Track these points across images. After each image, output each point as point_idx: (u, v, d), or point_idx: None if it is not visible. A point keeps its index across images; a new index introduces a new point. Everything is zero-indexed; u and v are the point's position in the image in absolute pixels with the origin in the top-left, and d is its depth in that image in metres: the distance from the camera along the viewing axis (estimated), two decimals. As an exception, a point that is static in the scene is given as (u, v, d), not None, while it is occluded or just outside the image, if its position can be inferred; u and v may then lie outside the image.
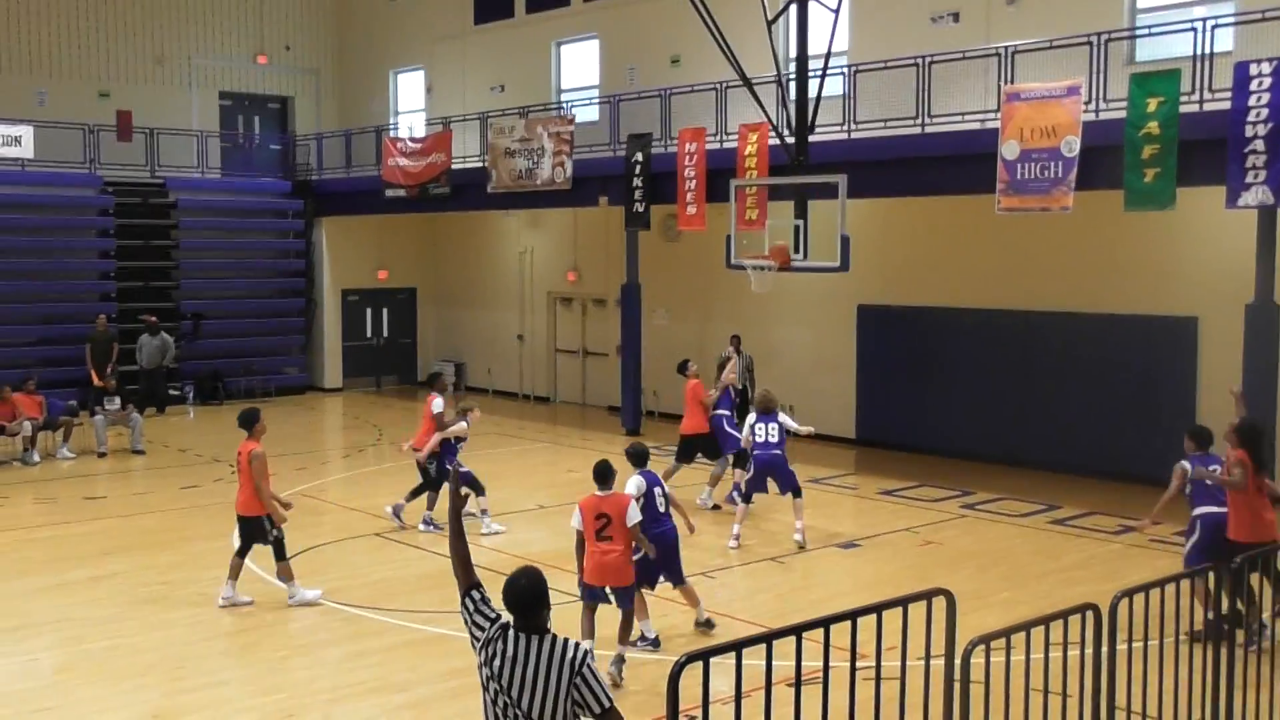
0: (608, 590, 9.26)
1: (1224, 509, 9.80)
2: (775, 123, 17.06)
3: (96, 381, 21.35)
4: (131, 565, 12.70)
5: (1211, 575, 7.80)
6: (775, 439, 13.34)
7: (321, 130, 29.06)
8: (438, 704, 8.87)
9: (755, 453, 13.42)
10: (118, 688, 9.13)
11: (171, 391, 24.69)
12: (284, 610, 11.05)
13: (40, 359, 23.26)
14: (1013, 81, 15.58)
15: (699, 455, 15.69)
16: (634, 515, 9.21)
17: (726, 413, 15.53)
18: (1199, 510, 10.07)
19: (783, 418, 13.58)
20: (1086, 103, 14.69)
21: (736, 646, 5.27)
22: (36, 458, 18.74)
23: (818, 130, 16.75)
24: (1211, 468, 10.02)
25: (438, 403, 14.14)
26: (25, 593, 11.67)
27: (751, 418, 13.63)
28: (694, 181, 19.29)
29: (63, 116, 25.30)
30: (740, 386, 19.08)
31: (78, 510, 15.62)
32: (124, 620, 10.80)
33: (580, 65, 24.97)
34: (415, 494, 14.35)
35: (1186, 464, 10.17)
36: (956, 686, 5.82)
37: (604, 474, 9.30)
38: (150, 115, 26.57)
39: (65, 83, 26.22)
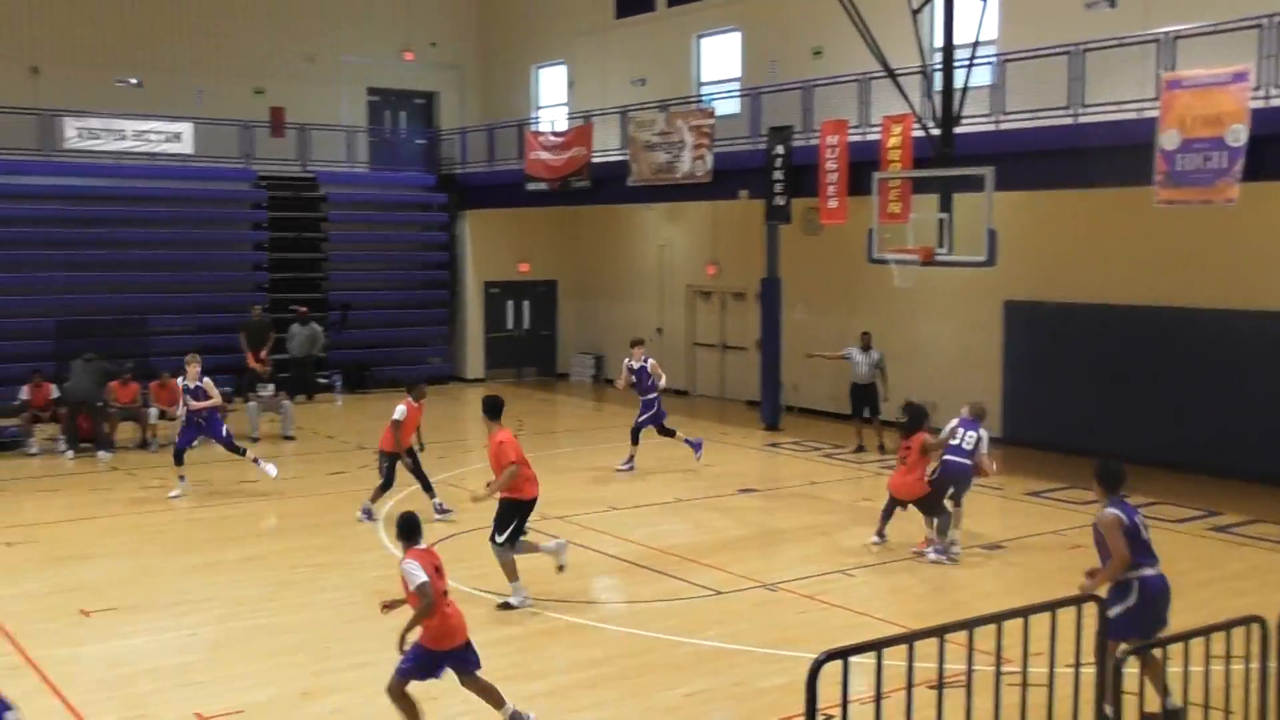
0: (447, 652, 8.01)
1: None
2: (920, 114, 16.74)
3: (252, 363, 22.03)
4: (282, 547, 13.10)
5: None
6: (969, 447, 12.86)
7: (465, 125, 29.54)
8: (575, 693, 8.93)
9: (946, 456, 12.95)
10: (268, 664, 9.42)
11: (320, 380, 25.38)
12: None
13: (196, 346, 23.94)
14: (1173, 68, 14.99)
15: None
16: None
17: None
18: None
19: (983, 432, 13.10)
20: (1255, 89, 14.05)
21: (877, 646, 5.18)
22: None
23: (964, 121, 16.38)
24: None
25: (400, 409, 14.32)
26: (184, 570, 12.12)
27: (955, 421, 13.21)
28: (836, 174, 19.06)
29: (220, 114, 26.23)
30: (866, 384, 18.86)
31: (231, 493, 16.16)
32: (275, 599, 11.14)
33: (721, 58, 24.88)
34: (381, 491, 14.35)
35: None
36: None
37: (414, 529, 8.11)
38: (302, 111, 27.37)
39: (222, 81, 27.13)
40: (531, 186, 25.04)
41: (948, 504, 12.84)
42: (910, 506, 12.98)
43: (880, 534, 13.18)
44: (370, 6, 29.33)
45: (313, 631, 10.20)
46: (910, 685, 5.07)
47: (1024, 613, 5.63)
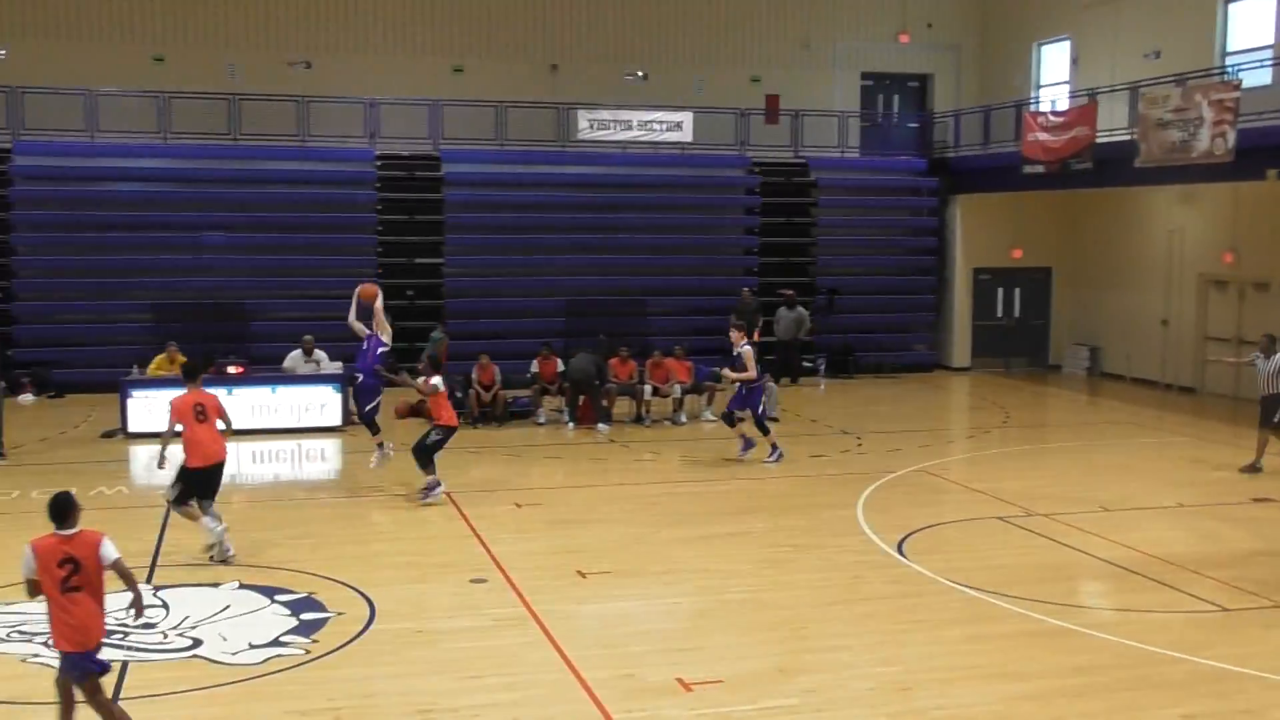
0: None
1: None
2: None
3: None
4: (764, 525, 13.31)
5: None
6: None
7: (960, 107, 28.75)
8: (1060, 700, 8.36)
9: None
10: (748, 638, 9.56)
11: (805, 363, 25.68)
12: (903, 585, 11.03)
13: (688, 328, 25.16)
14: None
15: None
16: (110, 553, 7.26)
17: None
18: None
19: None
20: None
21: None
22: (684, 418, 20.29)
23: None
24: None
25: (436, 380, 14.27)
26: (672, 541, 12.61)
27: None
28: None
29: (718, 103, 27.18)
30: (1271, 393, 16.20)
31: (718, 469, 16.68)
32: (756, 576, 11.32)
33: (1253, 25, 22.49)
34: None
35: None
36: None
37: (64, 510, 7.27)
38: (795, 98, 27.76)
39: (720, 70, 28.08)
40: (1028, 169, 23.93)
41: None
42: None
43: None
44: (866, -9, 29.29)
45: (792, 610, 10.25)
46: None
47: None
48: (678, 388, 20.31)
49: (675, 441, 18.76)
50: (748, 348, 16.77)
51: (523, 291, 25.62)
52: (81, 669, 7.17)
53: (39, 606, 10.00)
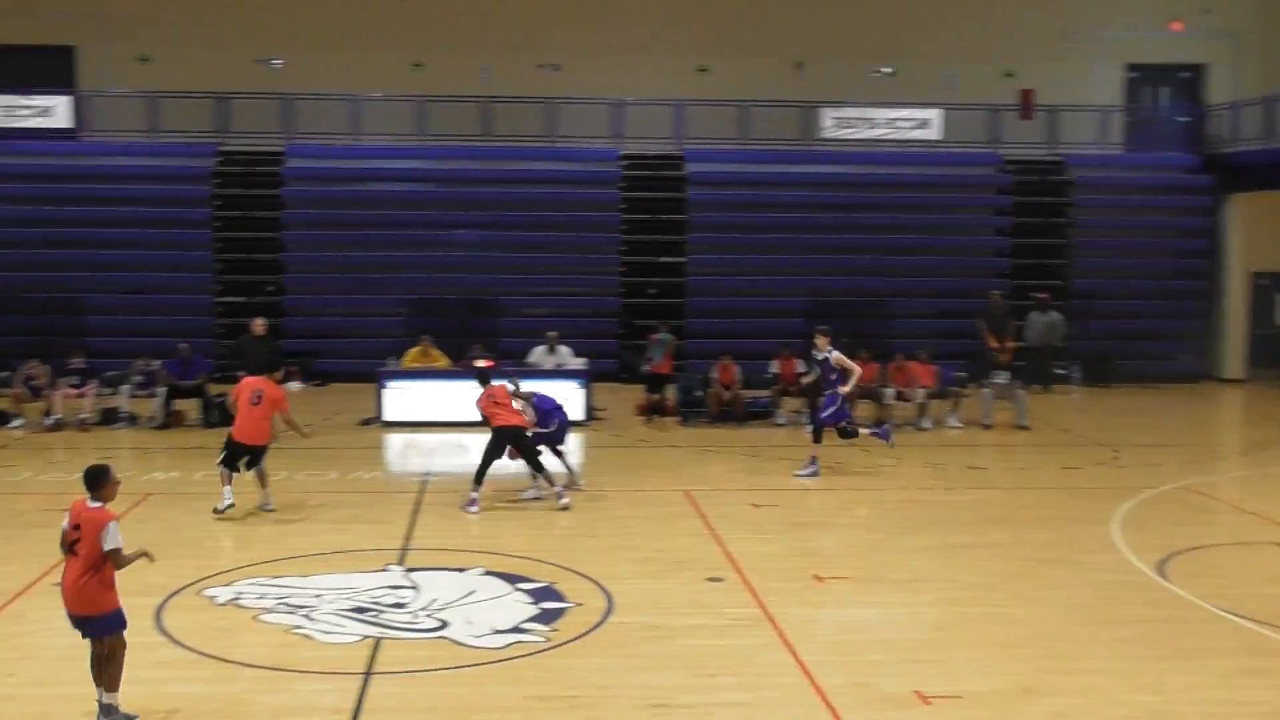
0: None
1: None
2: None
3: (993, 344, 21.87)
4: (1009, 538, 12.76)
5: None
6: None
7: (1239, 99, 26.93)
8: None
9: None
10: (991, 653, 9.17)
11: (1057, 370, 24.62)
12: (1164, 609, 10.36)
13: (935, 331, 24.50)
14: None
15: None
16: (109, 540, 7.40)
17: None
18: None
19: None
20: None
21: None
22: (927, 424, 19.75)
23: None
24: None
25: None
26: (912, 549, 12.25)
27: None
28: None
29: (968, 99, 26.37)
30: None
31: (961, 478, 16.15)
32: (1000, 589, 10.87)
33: None
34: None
35: None
36: None
37: (92, 480, 7.57)
38: (1052, 92, 26.68)
39: (972, 65, 27.20)
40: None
41: None
42: None
43: None
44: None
45: (1039, 628, 9.78)
46: None
47: None
48: (921, 392, 19.79)
49: (917, 447, 18.26)
50: (837, 353, 15.62)
51: (763, 291, 25.52)
52: (93, 631, 7.53)
53: (304, 580, 10.59)
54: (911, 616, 10.13)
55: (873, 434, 16.33)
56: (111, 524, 7.44)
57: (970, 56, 27.38)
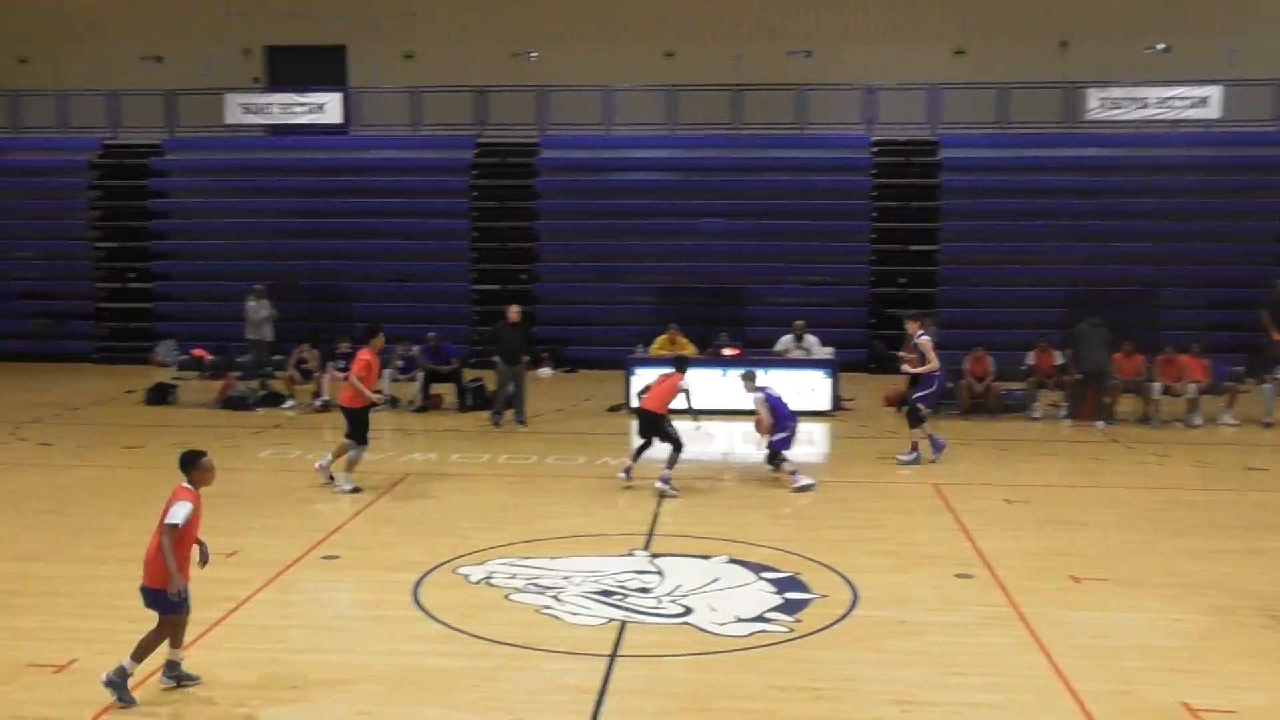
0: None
1: None
2: None
3: (1276, 336, 20.43)
4: (1290, 545, 11.90)
5: None
6: None
7: None
8: None
9: None
10: (1267, 668, 8.52)
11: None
12: None
13: (1209, 322, 23.09)
14: None
15: None
16: (171, 516, 7.63)
17: None
18: None
19: None
20: None
21: None
22: (1198, 420, 18.62)
23: None
24: None
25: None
26: (1177, 552, 11.57)
27: None
28: None
29: (1254, 73, 24.69)
30: None
31: (1235, 478, 15.14)
32: (1278, 599, 10.12)
33: None
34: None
35: None
36: None
37: (183, 463, 7.91)
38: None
39: (1257, 35, 25.40)
40: None
41: None
42: None
43: None
44: None
45: (1321, 642, 9.06)
46: None
47: None
48: (1192, 387, 18.67)
49: (1186, 445, 17.24)
50: (925, 337, 15.53)
51: (1019, 280, 24.64)
52: (144, 598, 7.78)
53: (552, 562, 10.87)
54: (1175, 623, 9.55)
55: (932, 439, 15.82)
56: (179, 502, 7.67)
57: (1254, 26, 25.58)
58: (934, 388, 15.81)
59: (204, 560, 7.95)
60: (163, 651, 7.87)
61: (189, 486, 7.81)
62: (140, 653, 7.71)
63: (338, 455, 14.04)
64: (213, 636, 8.91)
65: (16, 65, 28.43)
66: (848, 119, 26.40)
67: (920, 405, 15.71)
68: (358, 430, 13.89)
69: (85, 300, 26.89)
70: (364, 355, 14.03)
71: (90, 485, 14.27)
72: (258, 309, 21.73)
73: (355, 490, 13.63)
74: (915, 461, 15.58)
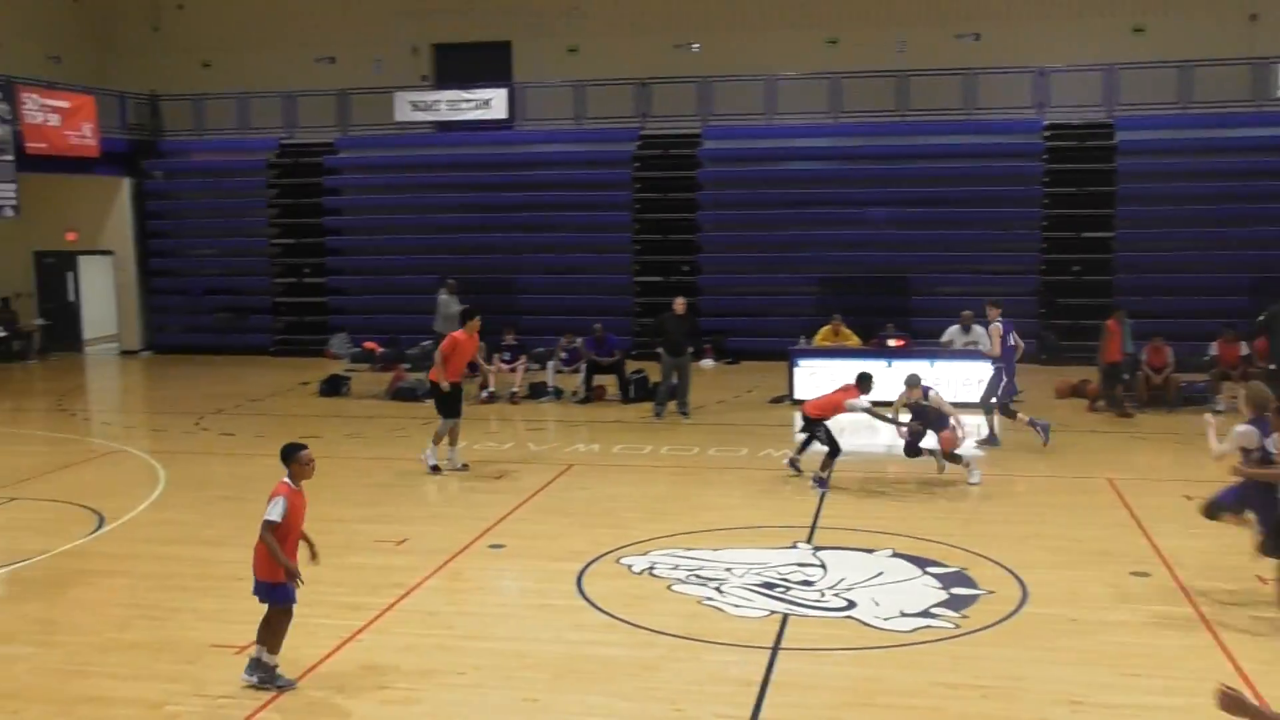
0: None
1: None
2: None
3: None
4: None
5: None
6: None
7: None
8: None
9: None
10: None
11: None
12: None
13: None
14: None
15: None
16: (270, 511, 7.73)
17: None
18: None
19: None
20: None
21: None
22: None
23: None
24: None
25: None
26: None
27: None
28: None
29: None
30: None
31: None
32: None
33: None
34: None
35: None
36: None
37: (283, 457, 8.02)
38: None
39: None
40: None
41: None
42: None
43: None
44: None
45: None
46: None
47: None
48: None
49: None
50: (995, 325, 16.00)
51: (1202, 267, 23.57)
52: (256, 592, 7.87)
53: (715, 554, 10.86)
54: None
55: (1030, 422, 15.80)
56: (276, 499, 7.75)
57: None
58: (1003, 380, 16.00)
59: (313, 556, 8.06)
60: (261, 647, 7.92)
61: (288, 481, 7.89)
62: (270, 643, 7.85)
63: (437, 440, 14.58)
64: (384, 621, 9.17)
65: (200, 70, 29.68)
66: (1018, 103, 25.62)
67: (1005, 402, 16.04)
68: (442, 406, 14.39)
69: (264, 296, 27.95)
70: (455, 335, 14.55)
71: (270, 474, 14.59)
72: (449, 303, 21.95)
73: (435, 469, 14.17)
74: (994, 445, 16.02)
